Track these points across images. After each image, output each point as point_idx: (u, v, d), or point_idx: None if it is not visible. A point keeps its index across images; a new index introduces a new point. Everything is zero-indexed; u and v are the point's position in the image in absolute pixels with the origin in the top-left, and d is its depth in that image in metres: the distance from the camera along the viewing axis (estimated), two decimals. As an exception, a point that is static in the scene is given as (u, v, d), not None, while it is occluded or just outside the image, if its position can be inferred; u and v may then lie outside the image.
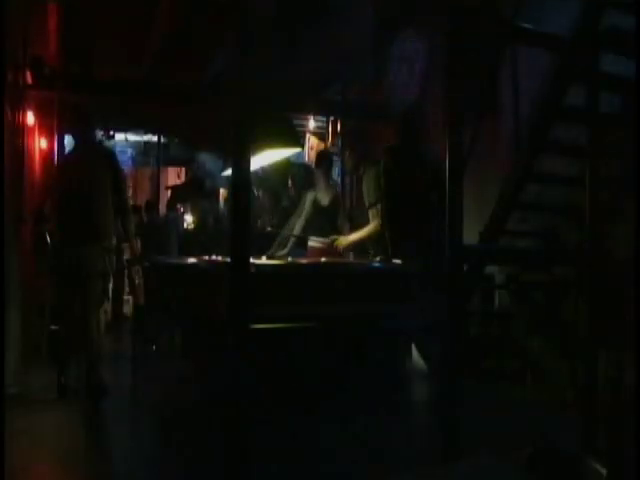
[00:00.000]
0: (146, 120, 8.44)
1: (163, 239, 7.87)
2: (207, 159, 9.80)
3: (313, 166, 5.58)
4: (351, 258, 5.05)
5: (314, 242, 5.09)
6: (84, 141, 4.61)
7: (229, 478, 2.34)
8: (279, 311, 3.29)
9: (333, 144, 7.88)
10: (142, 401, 4.48)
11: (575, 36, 3.61)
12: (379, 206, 4.55)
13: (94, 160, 4.47)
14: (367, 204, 4.69)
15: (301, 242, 5.24)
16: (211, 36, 5.94)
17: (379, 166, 4.64)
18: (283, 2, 5.36)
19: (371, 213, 4.68)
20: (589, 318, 2.88)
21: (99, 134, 5.67)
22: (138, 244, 8.12)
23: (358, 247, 4.93)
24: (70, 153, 5.04)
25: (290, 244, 5.17)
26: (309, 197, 5.22)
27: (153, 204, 8.90)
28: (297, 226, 5.21)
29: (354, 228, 4.98)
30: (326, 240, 4.93)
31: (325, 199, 5.17)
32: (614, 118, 3.86)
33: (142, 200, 10.00)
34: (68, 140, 6.02)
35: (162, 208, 8.94)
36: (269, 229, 5.79)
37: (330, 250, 4.88)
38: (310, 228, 5.18)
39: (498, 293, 5.14)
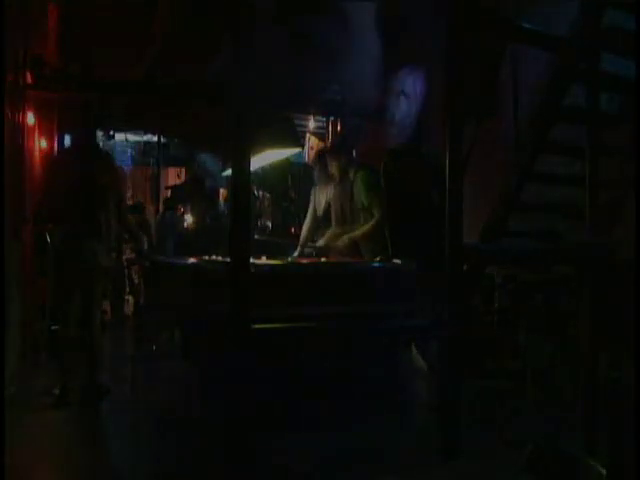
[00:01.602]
0: (146, 120, 8.44)
1: (163, 238, 7.86)
2: (207, 159, 9.80)
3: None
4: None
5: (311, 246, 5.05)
6: (86, 141, 4.60)
7: (230, 478, 2.35)
8: (278, 311, 3.28)
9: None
10: (142, 401, 4.48)
11: (575, 36, 3.61)
12: (373, 209, 4.55)
13: (94, 160, 4.47)
14: (360, 206, 4.66)
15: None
16: (211, 35, 5.94)
17: (368, 170, 4.64)
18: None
19: (363, 216, 4.66)
20: (589, 318, 2.88)
21: (100, 135, 5.67)
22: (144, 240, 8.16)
23: (353, 248, 4.87)
24: (67, 150, 5.05)
25: (300, 247, 5.12)
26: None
27: (141, 204, 8.90)
28: (305, 228, 5.17)
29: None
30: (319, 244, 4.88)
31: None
32: (614, 118, 3.86)
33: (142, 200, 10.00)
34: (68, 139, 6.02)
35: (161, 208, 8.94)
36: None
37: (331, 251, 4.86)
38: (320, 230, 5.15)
39: (498, 293, 5.14)
